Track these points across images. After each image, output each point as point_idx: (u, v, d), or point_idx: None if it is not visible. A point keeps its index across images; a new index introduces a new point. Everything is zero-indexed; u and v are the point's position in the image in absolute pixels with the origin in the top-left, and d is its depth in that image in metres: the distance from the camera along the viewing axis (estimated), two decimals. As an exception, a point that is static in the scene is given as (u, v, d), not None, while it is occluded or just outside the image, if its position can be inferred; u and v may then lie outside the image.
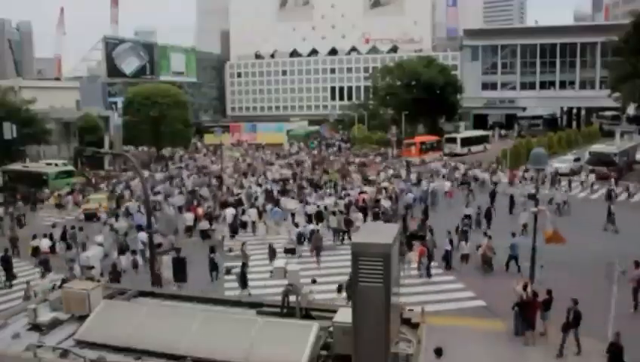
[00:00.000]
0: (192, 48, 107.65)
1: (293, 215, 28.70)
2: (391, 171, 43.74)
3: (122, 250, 22.56)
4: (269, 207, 29.76)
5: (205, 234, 26.89)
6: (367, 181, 38.57)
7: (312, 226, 25.42)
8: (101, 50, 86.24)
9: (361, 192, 32.88)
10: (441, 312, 16.93)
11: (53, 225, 28.08)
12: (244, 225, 28.42)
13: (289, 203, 30.69)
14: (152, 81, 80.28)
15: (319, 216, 27.59)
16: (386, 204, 29.75)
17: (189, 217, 28.69)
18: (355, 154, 58.03)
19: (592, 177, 38.89)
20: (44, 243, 24.59)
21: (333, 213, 26.82)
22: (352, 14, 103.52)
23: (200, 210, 30.00)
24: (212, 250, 21.79)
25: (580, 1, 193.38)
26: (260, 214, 28.81)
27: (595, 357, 13.55)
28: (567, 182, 37.48)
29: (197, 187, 38.14)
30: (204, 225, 27.26)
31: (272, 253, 21.77)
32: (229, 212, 28.56)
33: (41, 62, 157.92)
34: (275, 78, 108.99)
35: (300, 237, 24.28)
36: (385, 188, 34.36)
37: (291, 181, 39.50)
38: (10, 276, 21.89)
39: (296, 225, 25.95)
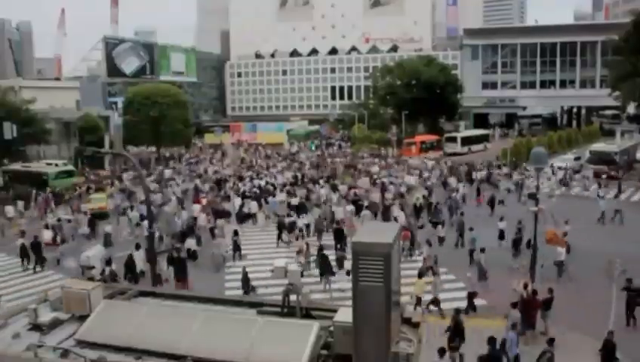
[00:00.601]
0: (192, 48, 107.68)
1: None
2: (414, 176, 40.44)
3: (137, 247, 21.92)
4: (270, 199, 32.22)
5: (193, 254, 23.24)
6: (374, 184, 37.21)
7: (300, 217, 27.56)
8: (101, 50, 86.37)
9: (351, 187, 34.79)
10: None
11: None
12: (246, 217, 30.11)
13: (279, 196, 33.55)
14: (152, 81, 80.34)
15: (302, 207, 29.59)
16: (400, 215, 26.82)
17: (195, 208, 30.08)
18: (359, 156, 56.75)
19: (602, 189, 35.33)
20: (46, 235, 25.81)
21: (317, 206, 29.58)
22: (352, 14, 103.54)
23: (204, 201, 31.99)
24: (236, 232, 24.29)
25: (580, 1, 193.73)
26: (260, 206, 30.99)
27: (589, 354, 13.56)
28: (616, 187, 35.09)
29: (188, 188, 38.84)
30: (190, 243, 23.59)
31: (246, 281, 18.88)
32: (236, 202, 31.51)
33: (41, 62, 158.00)
34: (275, 77, 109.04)
35: (292, 226, 26.11)
36: (401, 195, 32.71)
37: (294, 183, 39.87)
38: (41, 259, 23.75)
39: (289, 215, 27.73)
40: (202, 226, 26.91)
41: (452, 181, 37.78)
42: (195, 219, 28.26)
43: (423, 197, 31.67)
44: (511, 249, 22.41)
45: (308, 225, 26.87)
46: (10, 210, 33.29)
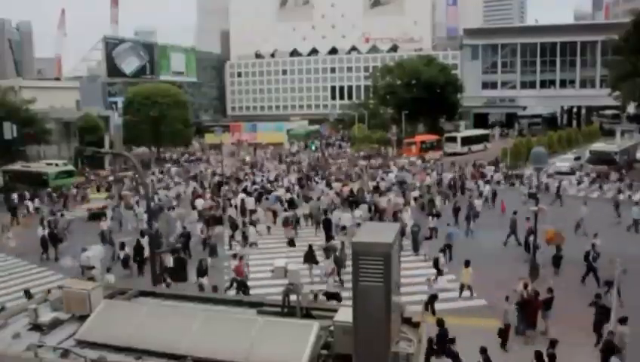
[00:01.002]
0: (192, 48, 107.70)
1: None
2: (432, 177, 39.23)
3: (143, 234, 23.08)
4: (270, 196, 33.83)
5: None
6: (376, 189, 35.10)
7: (293, 210, 29.10)
8: (101, 50, 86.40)
9: (344, 185, 35.79)
10: (441, 311, 16.93)
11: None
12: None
13: (278, 191, 35.25)
14: (152, 81, 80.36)
15: (292, 203, 31.11)
16: (407, 219, 25.65)
17: (199, 203, 31.34)
18: (363, 157, 56.15)
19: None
20: (39, 232, 26.47)
21: (306, 201, 31.49)
22: (352, 14, 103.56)
23: (207, 195, 33.92)
24: (244, 224, 26.12)
25: (580, 0, 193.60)
26: (259, 201, 32.91)
27: (590, 355, 13.55)
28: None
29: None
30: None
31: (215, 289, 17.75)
32: (241, 196, 32.76)
33: (41, 62, 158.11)
34: (275, 77, 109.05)
35: (287, 220, 27.15)
36: (415, 199, 31.94)
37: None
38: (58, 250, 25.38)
39: (285, 210, 29.42)
40: (198, 236, 25.46)
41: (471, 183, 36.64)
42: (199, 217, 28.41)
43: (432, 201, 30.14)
44: (552, 267, 20.63)
45: (298, 219, 28.22)
46: (29, 204, 34.65)
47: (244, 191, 35.47)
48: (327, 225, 25.55)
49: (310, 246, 21.15)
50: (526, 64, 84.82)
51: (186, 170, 50.72)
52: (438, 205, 30.11)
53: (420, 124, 71.35)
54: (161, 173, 48.94)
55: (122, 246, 22.88)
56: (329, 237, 24.39)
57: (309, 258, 20.66)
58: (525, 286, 15.96)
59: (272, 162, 56.00)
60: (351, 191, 33.42)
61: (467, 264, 18.65)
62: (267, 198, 33.27)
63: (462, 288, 18.46)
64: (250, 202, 31.52)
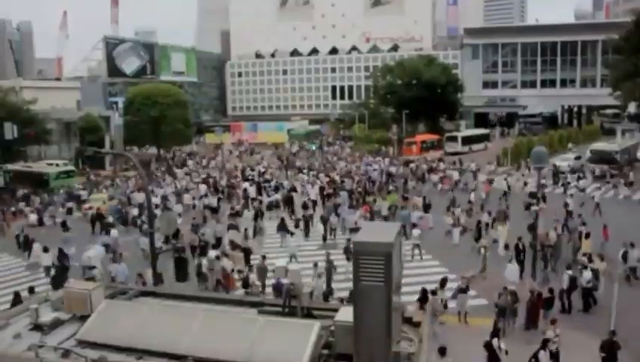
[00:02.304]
0: (193, 48, 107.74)
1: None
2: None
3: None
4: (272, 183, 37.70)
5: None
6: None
7: (276, 195, 33.08)
8: (101, 50, 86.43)
9: (329, 177, 38.83)
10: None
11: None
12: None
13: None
14: (153, 81, 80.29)
15: (277, 188, 35.53)
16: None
17: (202, 189, 34.51)
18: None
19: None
20: (32, 218, 28.20)
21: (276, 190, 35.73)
22: (353, 13, 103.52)
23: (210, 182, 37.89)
24: (256, 216, 27.81)
25: (581, 0, 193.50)
26: (260, 191, 35.37)
27: (590, 354, 13.53)
28: None
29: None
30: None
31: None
32: (245, 185, 35.47)
33: (41, 62, 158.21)
34: (275, 77, 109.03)
35: (271, 204, 31.82)
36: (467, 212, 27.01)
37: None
38: (104, 226, 27.78)
39: (268, 195, 33.38)
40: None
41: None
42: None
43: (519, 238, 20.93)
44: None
45: (277, 202, 32.06)
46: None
47: (246, 179, 38.52)
48: (289, 202, 31.32)
49: (282, 219, 26.11)
50: (526, 63, 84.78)
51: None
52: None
53: (420, 124, 71.32)
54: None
55: (140, 211, 28.42)
56: (291, 211, 30.38)
57: (282, 228, 25.31)
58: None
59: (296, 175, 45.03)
60: (332, 182, 36.82)
61: (587, 236, 20.39)
62: (270, 186, 35.97)
63: (590, 257, 18.83)
64: (251, 191, 33.77)
